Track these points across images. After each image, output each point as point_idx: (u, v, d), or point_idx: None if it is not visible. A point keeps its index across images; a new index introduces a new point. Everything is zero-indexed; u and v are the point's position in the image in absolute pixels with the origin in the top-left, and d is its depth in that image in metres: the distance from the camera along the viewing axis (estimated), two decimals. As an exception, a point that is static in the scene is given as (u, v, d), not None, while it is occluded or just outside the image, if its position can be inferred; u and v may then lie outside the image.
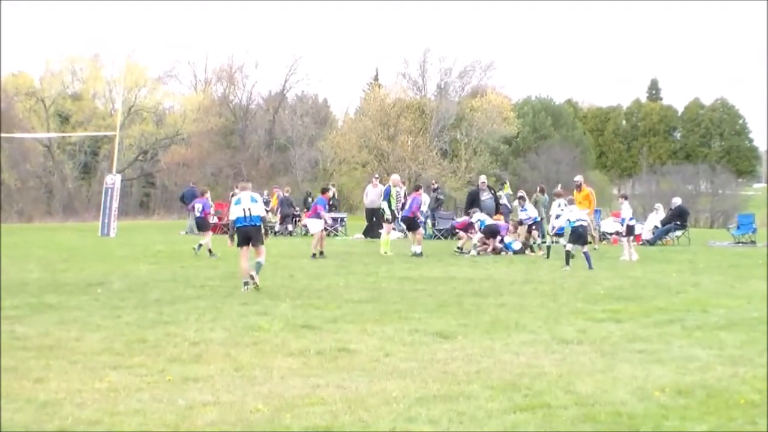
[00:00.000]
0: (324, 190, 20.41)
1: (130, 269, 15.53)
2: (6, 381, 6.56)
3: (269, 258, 17.70)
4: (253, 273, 12.38)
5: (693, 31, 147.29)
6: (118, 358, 7.50)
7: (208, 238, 19.09)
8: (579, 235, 16.43)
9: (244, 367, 7.14)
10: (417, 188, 21.34)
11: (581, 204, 21.83)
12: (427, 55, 60.86)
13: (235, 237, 12.98)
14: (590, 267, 15.93)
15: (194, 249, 18.98)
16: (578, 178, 23.14)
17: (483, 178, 24.07)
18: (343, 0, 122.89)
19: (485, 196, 22.39)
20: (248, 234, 12.76)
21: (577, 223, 16.50)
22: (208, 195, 21.76)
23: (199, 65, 69.15)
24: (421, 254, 18.83)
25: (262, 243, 12.89)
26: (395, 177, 21.91)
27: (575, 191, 22.33)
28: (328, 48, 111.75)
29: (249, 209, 12.71)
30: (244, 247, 12.78)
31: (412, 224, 19.82)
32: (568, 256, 16.39)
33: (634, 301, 11.49)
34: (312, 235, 19.13)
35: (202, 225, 20.29)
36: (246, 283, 12.40)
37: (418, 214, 19.95)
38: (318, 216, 18.69)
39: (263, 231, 13.10)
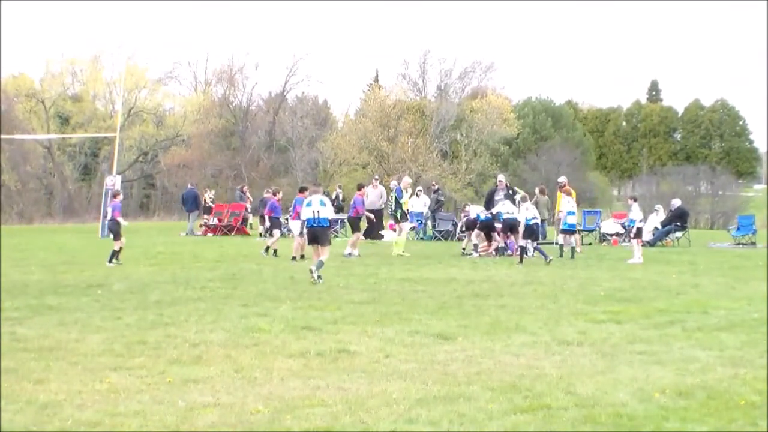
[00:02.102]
0: (302, 189, 20.42)
1: (131, 271, 15.54)
2: (6, 382, 6.56)
3: (270, 260, 17.79)
4: (313, 267, 13.56)
5: (693, 31, 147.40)
6: (118, 360, 7.51)
7: (275, 238, 19.44)
8: (532, 231, 17.86)
9: (244, 369, 7.15)
10: (360, 187, 21.54)
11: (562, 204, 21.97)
12: (427, 57, 60.95)
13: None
14: (547, 259, 17.14)
15: (263, 254, 19.01)
16: (562, 179, 23.23)
17: (501, 177, 23.93)
18: (343, 0, 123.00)
19: (500, 196, 22.35)
20: (316, 234, 14.02)
21: (533, 221, 17.88)
22: (279, 195, 22.07)
23: (200, 67, 68.99)
24: (350, 255, 18.65)
25: (329, 243, 14.30)
26: (407, 179, 21.94)
27: (558, 191, 22.46)
28: (328, 49, 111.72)
29: (318, 211, 13.92)
30: (315, 245, 14.10)
31: (354, 225, 20.02)
32: (523, 251, 17.59)
33: (635, 302, 11.50)
34: (292, 237, 18.98)
35: (273, 224, 20.84)
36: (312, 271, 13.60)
37: (363, 214, 20.05)
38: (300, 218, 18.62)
39: (330, 231, 14.59)
